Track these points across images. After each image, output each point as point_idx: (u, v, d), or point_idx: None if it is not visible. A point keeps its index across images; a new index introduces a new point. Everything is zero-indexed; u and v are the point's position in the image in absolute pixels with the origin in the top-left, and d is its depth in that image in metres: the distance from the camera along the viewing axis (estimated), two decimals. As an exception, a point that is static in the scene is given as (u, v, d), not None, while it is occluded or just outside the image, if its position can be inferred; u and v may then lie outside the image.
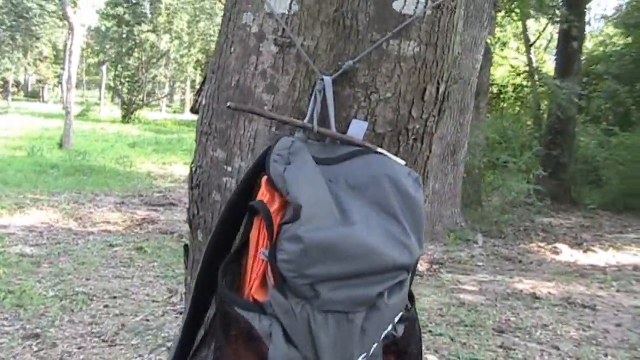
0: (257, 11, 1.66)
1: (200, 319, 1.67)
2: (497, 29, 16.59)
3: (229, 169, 1.72)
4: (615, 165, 15.52)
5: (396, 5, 1.58)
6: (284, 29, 1.61)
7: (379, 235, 1.37)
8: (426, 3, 1.60)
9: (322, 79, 1.57)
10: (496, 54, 16.91)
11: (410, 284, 1.51)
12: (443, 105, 1.72)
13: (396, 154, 1.57)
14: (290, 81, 1.62)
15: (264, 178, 1.40)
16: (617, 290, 7.44)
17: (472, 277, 7.69)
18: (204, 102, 1.82)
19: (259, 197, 1.40)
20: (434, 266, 8.02)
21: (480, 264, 8.56)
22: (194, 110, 1.90)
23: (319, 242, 1.29)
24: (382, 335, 1.42)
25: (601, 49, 20.91)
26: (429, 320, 5.80)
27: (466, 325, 5.79)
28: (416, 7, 1.59)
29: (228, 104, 1.56)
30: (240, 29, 1.70)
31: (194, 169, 1.84)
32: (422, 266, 7.81)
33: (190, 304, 1.65)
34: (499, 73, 19.20)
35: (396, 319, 1.45)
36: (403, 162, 1.54)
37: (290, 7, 1.61)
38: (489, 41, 11.42)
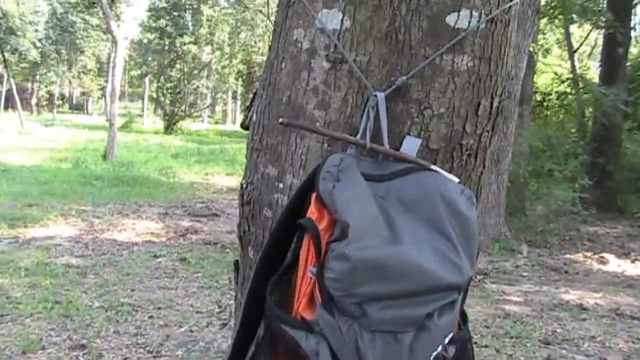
0: (308, 27, 1.65)
1: (250, 335, 1.67)
2: (540, 36, 16.43)
3: (281, 185, 1.72)
4: (663, 172, 15.26)
5: (450, 20, 1.56)
6: (335, 45, 1.60)
7: (429, 254, 1.35)
8: (480, 17, 1.58)
9: (375, 95, 1.55)
10: (539, 61, 16.74)
11: (462, 304, 1.48)
12: (497, 120, 1.69)
13: (450, 170, 1.55)
14: (342, 97, 1.61)
15: (314, 195, 1.39)
16: (667, 301, 7.30)
17: (517, 288, 7.60)
18: (254, 118, 1.82)
19: (308, 214, 1.39)
20: (479, 277, 7.94)
21: (526, 274, 8.46)
22: (244, 126, 1.90)
23: (367, 261, 1.28)
24: (432, 357, 1.39)
25: (647, 54, 20.62)
26: (474, 331, 5.74)
27: (512, 337, 5.72)
28: (470, 21, 1.57)
29: (280, 120, 1.56)
30: (291, 45, 1.69)
31: (244, 186, 1.84)
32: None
33: (241, 321, 1.65)
34: (542, 81, 19.01)
35: (446, 340, 1.42)
36: (457, 180, 1.52)
37: (342, 23, 1.60)
38: (532, 49, 11.32)
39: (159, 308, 5.96)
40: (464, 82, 1.60)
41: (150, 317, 5.70)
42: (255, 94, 1.87)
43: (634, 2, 16.61)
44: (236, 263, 1.95)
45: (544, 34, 17.46)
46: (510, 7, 1.63)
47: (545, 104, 18.48)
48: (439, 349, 1.40)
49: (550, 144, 13.36)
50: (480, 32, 1.59)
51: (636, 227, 13.27)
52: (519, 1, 1.66)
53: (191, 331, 5.43)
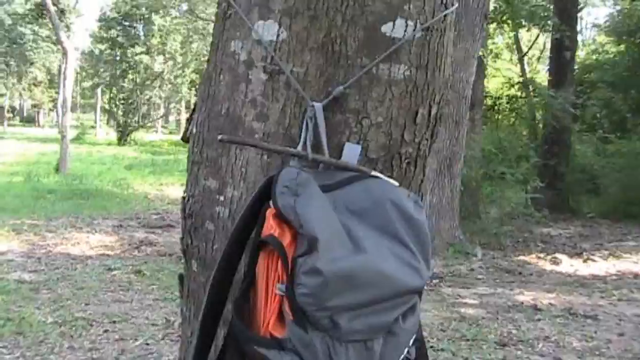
0: (245, 39, 1.65)
1: (206, 352, 1.65)
2: (490, 41, 16.64)
3: (222, 198, 1.71)
4: (613, 173, 15.54)
5: (385, 29, 1.57)
6: (272, 57, 1.60)
7: (391, 260, 1.37)
8: (415, 26, 1.59)
9: (313, 106, 1.55)
10: (489, 65, 16.94)
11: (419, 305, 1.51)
12: (436, 128, 1.71)
13: (390, 178, 1.55)
14: (280, 109, 1.61)
15: (270, 211, 1.38)
16: (619, 300, 7.43)
17: (473, 291, 7.67)
18: (194, 130, 1.81)
19: (267, 230, 1.37)
20: (434, 281, 7.99)
21: (480, 276, 8.54)
22: (185, 139, 1.89)
23: (338, 273, 1.29)
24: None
25: (594, 57, 21.00)
26: (430, 335, 5.78)
27: (468, 340, 5.77)
28: (405, 31, 1.58)
29: (219, 137, 1.55)
30: (229, 57, 1.69)
31: (186, 199, 1.82)
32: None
33: (197, 340, 1.63)
34: (493, 85, 19.22)
35: (411, 342, 1.45)
36: (397, 184, 1.53)
37: (278, 34, 1.60)
38: (481, 53, 11.45)
39: (114, 322, 5.89)
40: (401, 91, 1.60)
41: (106, 331, 5.63)
42: (195, 106, 1.86)
43: (579, 7, 16.93)
44: (181, 276, 1.94)
45: (493, 38, 17.66)
46: (445, 15, 1.65)
47: (496, 107, 18.68)
48: (405, 351, 1.44)
49: (502, 147, 13.53)
50: (416, 41, 1.60)
51: (588, 227, 13.50)
52: (454, 10, 1.67)
53: (147, 344, 5.38)
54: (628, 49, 18.48)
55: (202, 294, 1.67)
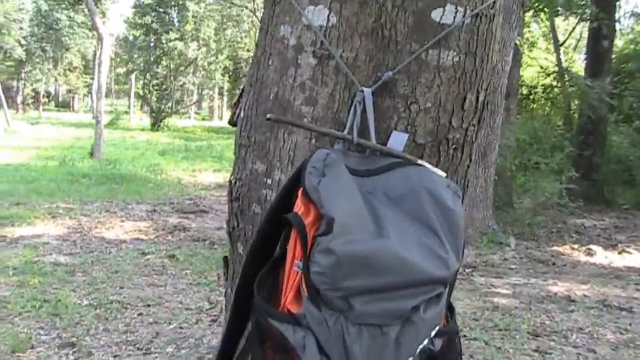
0: (295, 24, 1.66)
1: (239, 331, 1.67)
2: (526, 29, 16.47)
3: (269, 181, 1.72)
4: (648, 164, 15.35)
5: (435, 15, 1.58)
6: (322, 41, 1.61)
7: (415, 248, 1.36)
8: (465, 12, 1.59)
9: (362, 91, 1.56)
10: (525, 54, 16.78)
11: (449, 297, 1.50)
12: (483, 114, 1.71)
13: (437, 164, 1.56)
14: (329, 93, 1.62)
15: (300, 190, 1.40)
16: (654, 292, 7.35)
17: (506, 281, 7.64)
18: (242, 114, 1.83)
19: (295, 209, 1.40)
20: (467, 270, 7.97)
21: (514, 267, 8.50)
22: (232, 123, 1.90)
23: (352, 255, 1.29)
24: (418, 349, 1.41)
25: (632, 47, 20.66)
26: (463, 324, 5.77)
27: (500, 330, 5.75)
28: (455, 16, 1.58)
29: (268, 116, 1.57)
30: (278, 42, 1.70)
31: (233, 182, 1.84)
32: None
33: (229, 316, 1.66)
34: (528, 74, 19.05)
35: (433, 333, 1.44)
36: (443, 174, 1.53)
37: (328, 19, 1.61)
38: (517, 42, 11.35)
39: (148, 305, 5.95)
40: (450, 77, 1.61)
41: (140, 314, 5.69)
42: (242, 90, 1.87)
43: (618, -5, 16.70)
44: (225, 259, 1.96)
45: (529, 27, 17.49)
46: (494, 2, 1.64)
47: (531, 97, 18.53)
48: (425, 342, 1.42)
49: (537, 137, 13.42)
50: (465, 28, 1.60)
51: (623, 218, 13.34)
52: (503, -4, 1.67)
53: (181, 328, 5.42)
54: (667, 39, 18.21)
55: (248, 276, 1.69)
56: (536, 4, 16.01)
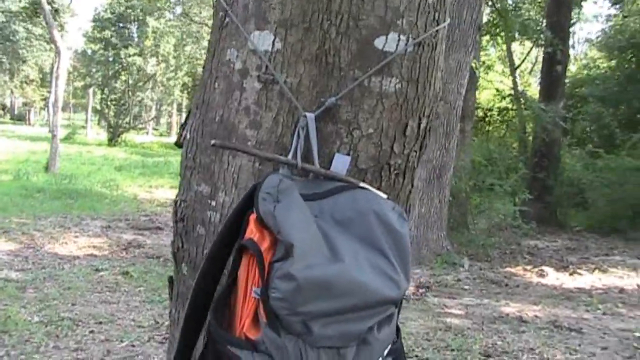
0: (240, 48, 1.68)
1: (189, 353, 1.68)
2: (482, 53, 16.73)
3: (213, 203, 1.73)
4: (601, 187, 15.62)
5: (378, 43, 1.60)
6: (267, 66, 1.63)
7: (368, 270, 1.39)
8: (407, 40, 1.62)
9: (305, 116, 1.58)
10: (481, 77, 17.03)
11: (397, 316, 1.53)
12: (425, 141, 1.74)
13: (378, 189, 1.58)
14: (273, 117, 1.64)
15: (253, 216, 1.41)
16: (604, 313, 7.47)
17: (459, 301, 7.70)
18: (188, 136, 1.84)
19: (248, 235, 1.41)
20: (420, 290, 8.03)
21: (467, 287, 8.57)
22: (178, 144, 1.91)
23: (312, 280, 1.31)
24: None
25: (585, 72, 21.10)
26: (415, 344, 5.80)
27: (453, 350, 5.79)
28: (398, 45, 1.61)
29: (212, 142, 1.58)
30: (224, 65, 1.72)
31: (178, 203, 1.85)
32: (408, 290, 7.81)
33: (180, 341, 1.66)
34: (484, 96, 19.32)
35: (385, 352, 1.46)
36: (385, 197, 1.55)
37: (273, 45, 1.63)
38: (474, 65, 11.51)
39: (100, 322, 5.90)
40: (392, 104, 1.64)
41: (91, 331, 5.64)
42: (189, 112, 1.89)
43: (572, 22, 17.04)
44: (170, 279, 1.97)
45: (486, 50, 17.75)
46: (437, 30, 1.68)
47: (487, 119, 18.79)
48: None
49: (491, 159, 13.60)
50: (407, 55, 1.63)
51: (575, 240, 13.56)
52: (446, 25, 1.71)
53: (132, 346, 5.39)
54: (619, 65, 18.60)
55: (191, 297, 1.70)
56: (493, 28, 16.28)
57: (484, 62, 17.58)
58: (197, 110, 1.81)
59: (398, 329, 1.59)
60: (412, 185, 1.76)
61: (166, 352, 4.66)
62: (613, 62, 19.10)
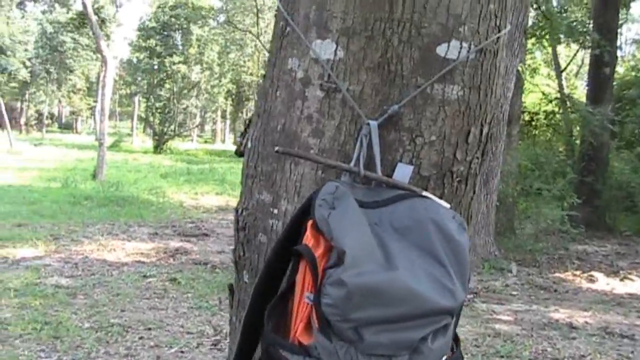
0: (302, 57, 1.69)
1: (247, 359, 1.69)
2: (528, 56, 16.58)
3: (275, 211, 1.74)
4: (651, 191, 15.38)
5: (440, 50, 1.60)
6: (329, 75, 1.64)
7: (423, 279, 1.38)
8: (469, 47, 1.62)
9: (368, 124, 1.59)
10: (527, 81, 16.86)
11: (455, 327, 1.52)
12: (487, 147, 1.73)
13: (441, 196, 1.59)
14: (336, 126, 1.65)
15: (310, 222, 1.42)
16: (656, 319, 7.35)
17: (507, 307, 7.64)
18: (249, 145, 1.85)
19: (304, 241, 1.42)
20: (469, 296, 7.97)
21: (515, 293, 8.50)
22: (239, 153, 1.93)
23: (362, 287, 1.31)
24: None
25: (633, 73, 20.77)
26: (464, 351, 5.73)
27: (502, 356, 5.76)
28: (460, 52, 1.62)
29: (276, 148, 1.60)
30: (286, 74, 1.73)
31: (240, 211, 1.86)
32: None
33: (238, 346, 1.67)
34: (530, 100, 19.13)
35: None
36: (448, 205, 1.55)
37: (335, 53, 1.64)
38: (520, 69, 11.41)
39: (150, 329, 5.96)
40: (454, 111, 1.64)
41: (141, 337, 5.70)
42: (249, 121, 1.90)
43: (619, 23, 16.79)
44: (231, 287, 1.98)
45: (531, 53, 17.60)
46: (498, 38, 1.68)
47: (533, 123, 18.62)
48: None
49: (538, 163, 13.47)
50: (469, 62, 1.63)
51: (624, 245, 13.36)
52: (507, 32, 1.70)
53: (182, 352, 5.43)
54: (668, 66, 18.31)
55: (253, 304, 1.71)
56: (538, 32, 16.12)
57: (529, 66, 17.44)
58: (259, 119, 1.82)
59: (458, 340, 1.58)
60: (474, 192, 1.75)
61: (218, 358, 4.69)
62: (662, 63, 18.81)
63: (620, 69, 20.38)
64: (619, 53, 18.46)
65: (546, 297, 8.41)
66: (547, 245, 11.73)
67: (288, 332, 1.43)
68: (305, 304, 1.38)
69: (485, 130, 1.71)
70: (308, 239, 1.41)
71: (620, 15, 17.13)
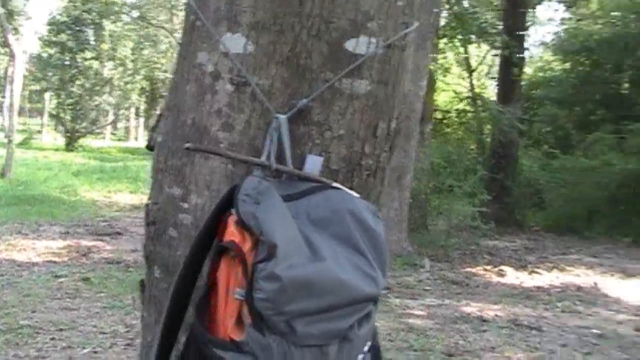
0: (212, 51, 1.69)
1: (169, 354, 1.68)
2: (440, 56, 16.88)
3: (186, 205, 1.74)
4: (557, 187, 15.89)
5: (349, 45, 1.63)
6: (239, 69, 1.64)
7: (348, 268, 1.42)
8: (378, 43, 1.65)
9: (277, 118, 1.60)
10: (439, 80, 17.19)
11: (375, 313, 1.56)
12: (395, 141, 1.77)
13: (350, 189, 1.61)
14: (246, 120, 1.65)
15: (232, 218, 1.43)
16: (562, 311, 7.59)
17: (420, 302, 7.76)
18: (159, 139, 1.84)
19: (228, 237, 1.42)
20: (383, 291, 8.05)
21: (428, 288, 8.64)
22: (149, 147, 1.91)
23: (295, 279, 1.33)
24: None
25: (541, 74, 21.38)
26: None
27: (415, 350, 5.84)
28: (368, 47, 1.64)
29: (186, 145, 1.59)
30: (196, 68, 1.73)
31: (150, 206, 1.85)
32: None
33: (160, 342, 1.66)
34: (443, 99, 19.50)
35: (365, 348, 1.50)
36: (358, 195, 1.58)
37: (245, 48, 1.64)
38: (432, 68, 11.62)
39: (61, 329, 5.83)
40: (363, 105, 1.66)
41: (52, 339, 5.57)
42: (160, 115, 1.89)
43: (527, 25, 17.30)
44: (142, 283, 1.96)
45: (444, 53, 17.92)
46: (406, 33, 1.71)
47: (445, 121, 18.99)
48: (360, 357, 1.48)
49: (450, 161, 13.75)
50: (378, 58, 1.66)
51: (533, 240, 13.75)
52: (415, 28, 1.74)
53: (95, 352, 5.34)
54: (573, 67, 18.88)
55: (164, 300, 1.70)
56: (450, 32, 16.45)
57: (442, 65, 17.76)
58: (169, 113, 1.81)
59: (375, 327, 1.62)
60: (383, 186, 1.79)
61: (133, 357, 4.62)
62: (567, 65, 19.36)
63: (528, 70, 20.94)
64: (527, 54, 18.99)
65: (458, 291, 8.58)
66: (459, 241, 11.98)
67: (216, 329, 1.43)
68: (235, 300, 1.38)
69: (393, 125, 1.74)
70: (232, 234, 1.41)
71: (527, 17, 17.63)
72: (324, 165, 1.64)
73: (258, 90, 1.63)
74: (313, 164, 1.62)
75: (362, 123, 1.68)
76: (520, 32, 16.40)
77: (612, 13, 18.64)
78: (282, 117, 1.61)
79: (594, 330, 6.74)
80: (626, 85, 18.33)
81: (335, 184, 1.58)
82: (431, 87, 12.43)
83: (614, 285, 9.29)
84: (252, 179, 1.48)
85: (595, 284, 9.33)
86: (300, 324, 1.36)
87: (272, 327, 1.34)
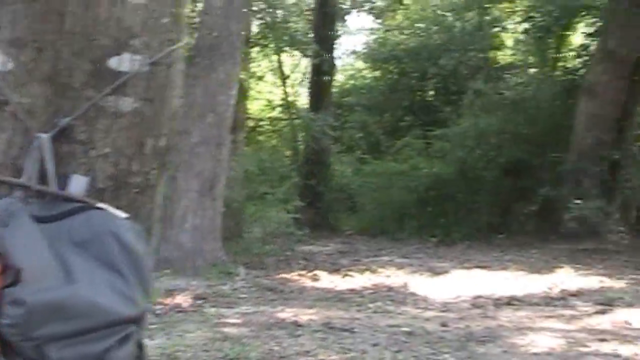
0: (-29, 68, 1.63)
1: None
2: (254, 64, 17.01)
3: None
4: (369, 192, 16.37)
5: (112, 63, 1.62)
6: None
7: (105, 291, 1.40)
8: (143, 60, 1.65)
9: (39, 137, 1.56)
10: (252, 88, 17.29)
11: (140, 334, 1.54)
12: (166, 159, 1.77)
13: (119, 208, 1.60)
14: (7, 139, 1.60)
15: None
16: (374, 312, 7.76)
17: (236, 310, 7.73)
18: None
19: None
20: (197, 301, 7.99)
21: (243, 296, 8.63)
22: None
23: (42, 303, 1.30)
24: None
25: (352, 82, 21.93)
26: (194, 356, 5.77)
27: (231, 359, 5.81)
28: (132, 64, 1.64)
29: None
30: (-45, 85, 1.65)
31: None
32: (186, 302, 7.78)
33: None
34: (256, 107, 19.58)
35: None
36: (125, 215, 1.57)
37: (5, 65, 1.60)
38: (243, 76, 11.66)
39: None
40: (129, 123, 1.66)
41: None
42: None
43: (337, 34, 17.82)
44: None
45: (257, 61, 18.06)
46: (172, 50, 1.72)
47: (258, 129, 19.11)
48: None
49: (264, 168, 13.85)
50: (142, 75, 1.66)
51: (347, 244, 14.05)
52: (181, 45, 1.75)
53: None
54: (382, 75, 19.58)
55: None
56: (262, 40, 16.61)
57: (254, 73, 17.86)
58: None
59: (142, 347, 1.61)
60: (154, 203, 1.78)
61: None
62: (377, 73, 20.02)
63: (340, 77, 21.44)
64: (338, 62, 19.52)
65: (273, 297, 8.61)
66: (274, 248, 12.03)
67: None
68: None
69: (162, 142, 1.74)
70: None
71: (338, 27, 18.12)
72: (91, 185, 1.62)
73: (19, 109, 1.58)
74: (77, 184, 1.59)
75: (129, 141, 1.67)
76: (331, 41, 16.82)
77: (417, 25, 19.53)
78: (44, 136, 1.57)
79: (404, 329, 6.93)
80: (431, 92, 19.23)
81: (99, 204, 1.56)
82: (243, 96, 12.47)
83: (422, 284, 9.60)
84: (3, 200, 1.44)
85: (405, 283, 9.61)
86: (52, 349, 1.33)
87: (21, 354, 1.31)
